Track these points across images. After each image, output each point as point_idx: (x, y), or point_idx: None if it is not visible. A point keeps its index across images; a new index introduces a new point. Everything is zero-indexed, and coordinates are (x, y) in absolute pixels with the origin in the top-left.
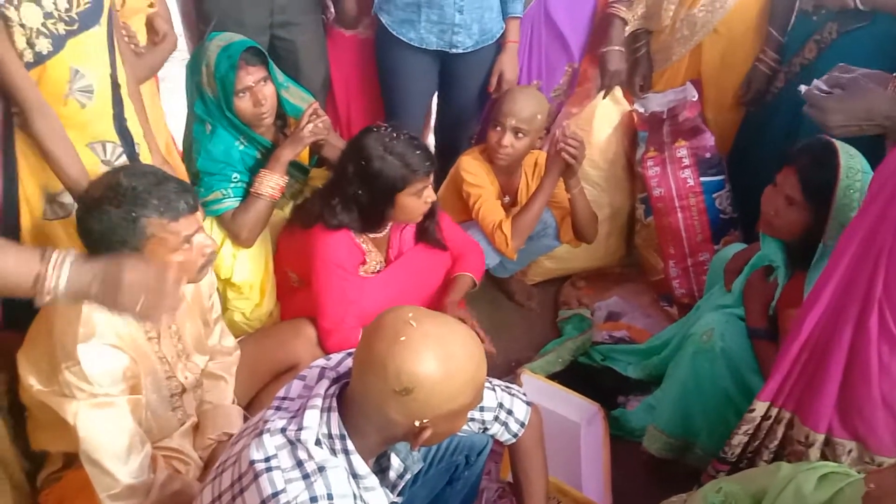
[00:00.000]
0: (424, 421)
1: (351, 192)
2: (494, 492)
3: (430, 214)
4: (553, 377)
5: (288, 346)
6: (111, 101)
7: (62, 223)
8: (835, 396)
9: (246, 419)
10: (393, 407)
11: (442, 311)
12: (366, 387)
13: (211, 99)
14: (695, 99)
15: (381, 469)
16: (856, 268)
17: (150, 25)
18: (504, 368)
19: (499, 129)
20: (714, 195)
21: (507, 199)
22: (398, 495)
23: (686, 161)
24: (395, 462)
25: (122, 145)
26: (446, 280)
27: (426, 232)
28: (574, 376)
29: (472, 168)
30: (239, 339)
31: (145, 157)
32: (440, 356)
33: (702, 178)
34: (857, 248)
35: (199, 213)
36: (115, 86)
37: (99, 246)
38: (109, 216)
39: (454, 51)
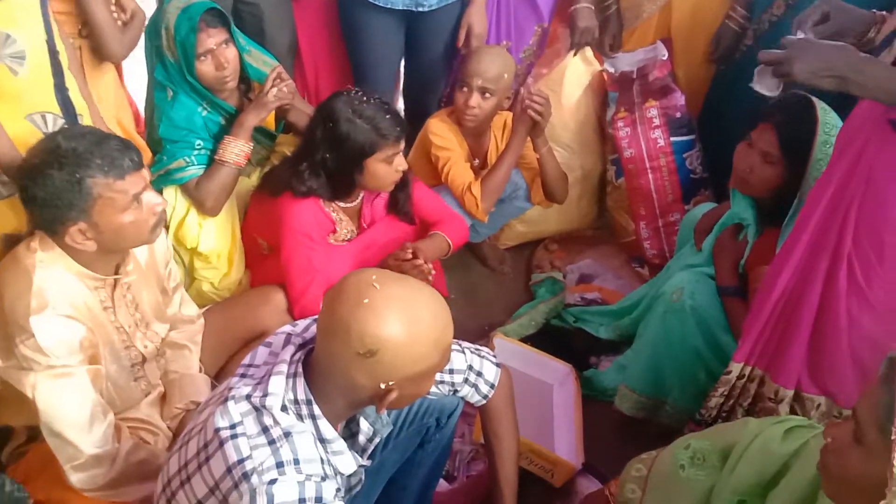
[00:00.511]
0: (390, 383)
1: (319, 157)
2: (468, 454)
3: (402, 186)
4: (526, 340)
5: (256, 313)
6: (50, 69)
7: (8, 202)
8: (804, 353)
9: (214, 388)
10: (357, 370)
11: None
12: (330, 351)
13: (171, 63)
14: (665, 58)
15: (350, 433)
16: (825, 223)
17: (118, 3)
18: (477, 332)
19: (465, 89)
20: (684, 155)
21: (476, 161)
22: (368, 459)
23: (656, 121)
24: (365, 426)
25: (64, 116)
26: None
27: (396, 204)
28: (547, 339)
29: (440, 131)
30: (206, 307)
31: None
32: (404, 318)
33: (672, 138)
34: (827, 202)
35: (146, 171)
36: (53, 53)
37: (45, 213)
38: (53, 181)
39: (420, 9)
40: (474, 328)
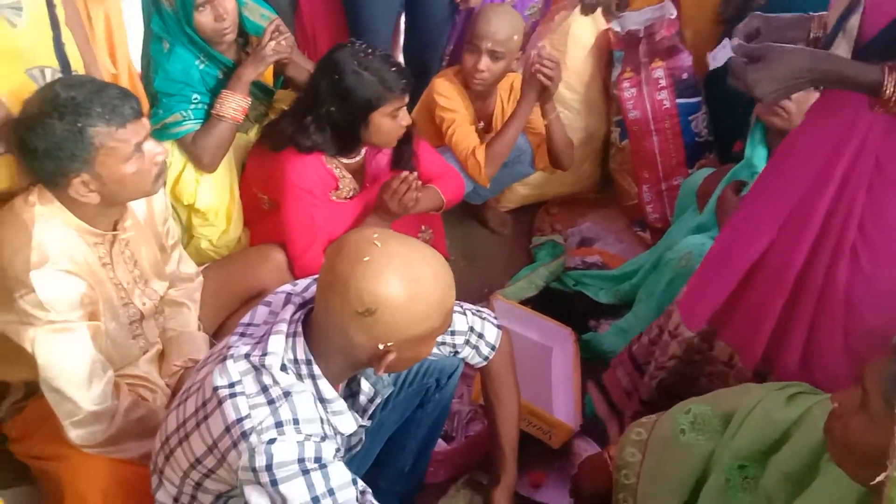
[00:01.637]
0: (389, 344)
1: (324, 110)
2: (466, 414)
3: (407, 140)
4: (526, 302)
5: (255, 271)
6: (48, 21)
7: (2, 159)
8: (799, 342)
9: (212, 346)
10: (356, 329)
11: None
12: (329, 309)
13: (169, 13)
14: (673, 16)
15: (351, 393)
16: (831, 208)
17: None
18: (477, 294)
19: (474, 52)
20: (690, 118)
21: (481, 124)
22: (368, 419)
23: (662, 82)
24: (365, 386)
25: (63, 71)
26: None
27: (401, 159)
28: (546, 301)
29: (445, 91)
30: (205, 265)
31: None
32: (405, 277)
33: (678, 100)
34: (835, 188)
35: (146, 119)
36: (51, 5)
37: (46, 165)
38: (54, 130)
39: None
40: (474, 290)
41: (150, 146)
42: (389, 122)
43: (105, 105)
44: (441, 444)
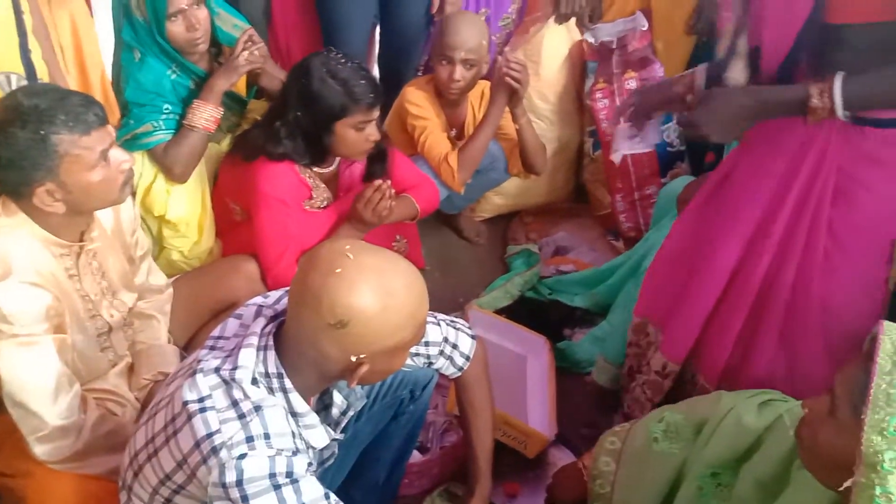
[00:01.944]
0: (361, 356)
1: (291, 116)
2: (441, 425)
3: (380, 158)
4: (501, 312)
5: (226, 283)
6: (15, 27)
7: None
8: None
9: (183, 358)
10: (328, 342)
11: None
12: (301, 321)
13: (140, 23)
14: (644, 28)
15: (323, 406)
16: (794, 219)
17: None
18: (452, 304)
19: (446, 63)
20: (662, 128)
21: (453, 132)
22: (341, 432)
23: None
24: (338, 399)
25: (28, 79)
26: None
27: (374, 174)
28: (521, 310)
29: (416, 99)
30: (175, 277)
31: None
32: (377, 289)
33: None
34: (796, 196)
35: (111, 127)
36: (18, 12)
37: (10, 174)
38: (17, 139)
39: None
40: (449, 299)
41: (117, 154)
42: (354, 134)
43: (69, 112)
44: (416, 456)
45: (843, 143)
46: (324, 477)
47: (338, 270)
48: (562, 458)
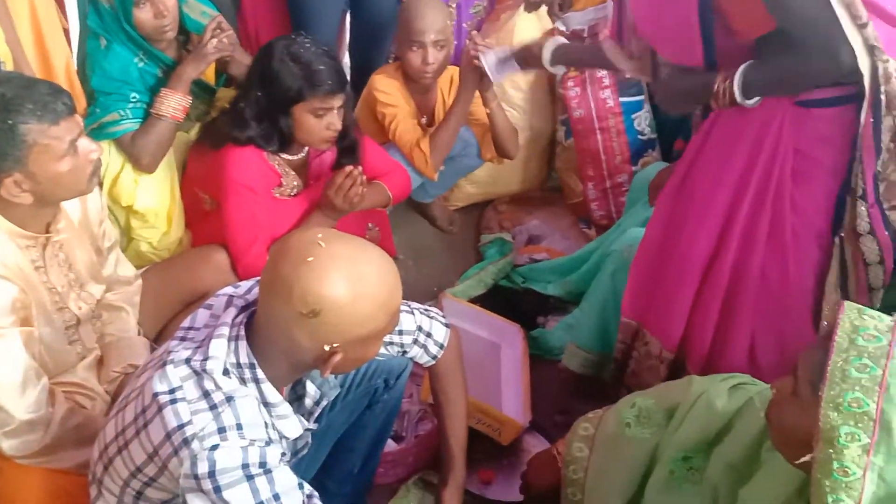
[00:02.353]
0: (334, 345)
1: (253, 96)
2: (416, 414)
3: (350, 148)
4: (475, 301)
5: (196, 273)
6: None
7: None
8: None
9: (153, 350)
10: (300, 331)
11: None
12: (272, 311)
13: (107, 9)
14: None
15: (297, 396)
16: (755, 206)
17: None
18: (426, 293)
19: (418, 48)
20: (633, 116)
21: (424, 119)
22: (315, 422)
23: (606, 81)
24: (311, 389)
25: None
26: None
27: (342, 167)
28: (495, 299)
29: (385, 87)
30: (145, 268)
31: None
32: (349, 278)
33: (621, 99)
34: (757, 181)
35: (78, 116)
36: None
37: None
38: None
39: None
40: (423, 289)
41: (85, 143)
42: (312, 120)
43: (36, 101)
44: (391, 445)
45: (797, 125)
46: (298, 467)
47: (309, 259)
48: (536, 444)
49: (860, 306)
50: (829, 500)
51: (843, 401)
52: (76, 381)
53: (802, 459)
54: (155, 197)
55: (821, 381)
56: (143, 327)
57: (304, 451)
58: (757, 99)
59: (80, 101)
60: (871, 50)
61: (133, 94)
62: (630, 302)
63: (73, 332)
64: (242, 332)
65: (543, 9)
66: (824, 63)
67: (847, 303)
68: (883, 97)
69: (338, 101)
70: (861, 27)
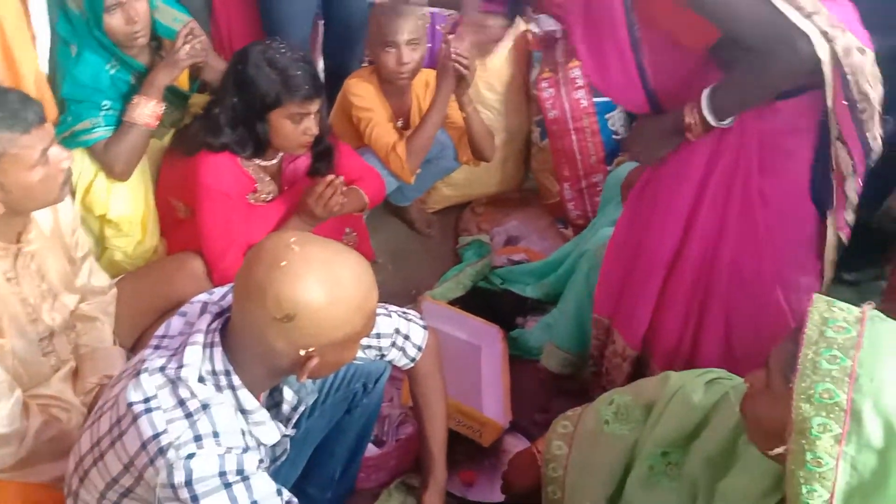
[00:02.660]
0: (310, 350)
1: (228, 102)
2: (397, 417)
3: (326, 153)
4: (454, 303)
5: (171, 281)
6: None
7: None
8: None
9: (129, 360)
10: (275, 336)
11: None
12: (246, 316)
13: (77, 16)
14: None
15: (274, 402)
16: (719, 197)
17: None
18: (405, 296)
19: (392, 49)
20: (607, 116)
21: (399, 122)
22: (293, 427)
23: (579, 82)
24: (288, 394)
25: None
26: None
27: (317, 173)
28: (474, 301)
29: (360, 91)
30: (120, 277)
31: None
32: (324, 281)
33: (595, 99)
34: (722, 170)
35: (49, 125)
36: None
37: None
38: None
39: None
40: (402, 292)
41: (56, 152)
42: (289, 125)
43: (6, 111)
44: (372, 449)
45: (759, 118)
46: (278, 473)
47: (283, 263)
48: (517, 444)
49: (829, 299)
50: (804, 490)
51: (814, 392)
52: (51, 393)
53: (776, 451)
54: (129, 205)
55: (792, 373)
56: (118, 337)
57: (283, 458)
58: (732, 119)
59: (52, 110)
60: (825, 34)
61: (105, 102)
62: (600, 299)
63: (48, 343)
64: (217, 339)
65: None
66: (785, 60)
67: (816, 295)
68: (850, 77)
69: (315, 106)
70: (809, 16)
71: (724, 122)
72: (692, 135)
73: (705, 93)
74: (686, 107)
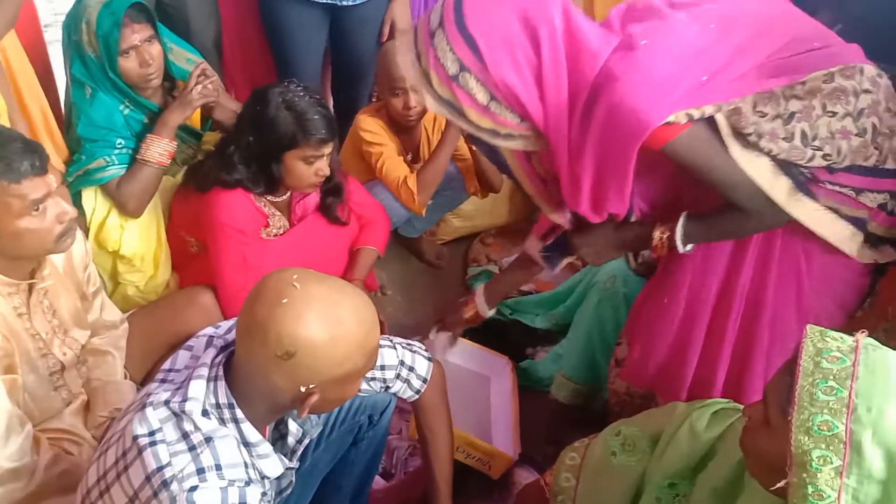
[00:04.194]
0: (311, 386)
1: (244, 141)
2: (405, 450)
3: (335, 192)
4: (463, 333)
5: (182, 316)
6: None
7: None
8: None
9: None
10: (276, 372)
11: None
12: (249, 352)
13: (92, 59)
14: None
15: (280, 435)
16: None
17: None
18: (415, 328)
19: (399, 95)
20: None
21: (409, 156)
22: (298, 460)
23: None
24: (293, 427)
25: None
26: (352, 246)
27: (327, 209)
28: (484, 331)
29: (370, 126)
30: (131, 311)
31: None
32: (325, 319)
33: None
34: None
35: (51, 176)
36: None
37: None
38: None
39: (343, 2)
40: (412, 324)
41: (57, 205)
42: (303, 166)
43: (2, 159)
44: (380, 482)
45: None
46: None
47: (284, 301)
48: (527, 476)
49: (822, 329)
50: None
51: (812, 424)
52: (63, 426)
53: (778, 485)
54: (141, 241)
55: (790, 405)
56: (129, 371)
57: (289, 490)
58: (692, 245)
59: (62, 150)
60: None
61: (119, 141)
62: (636, 374)
63: (58, 377)
64: (221, 373)
65: None
66: (772, 219)
67: (809, 326)
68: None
69: (328, 149)
70: (754, 147)
71: (687, 248)
72: (654, 252)
73: (681, 221)
74: (657, 228)
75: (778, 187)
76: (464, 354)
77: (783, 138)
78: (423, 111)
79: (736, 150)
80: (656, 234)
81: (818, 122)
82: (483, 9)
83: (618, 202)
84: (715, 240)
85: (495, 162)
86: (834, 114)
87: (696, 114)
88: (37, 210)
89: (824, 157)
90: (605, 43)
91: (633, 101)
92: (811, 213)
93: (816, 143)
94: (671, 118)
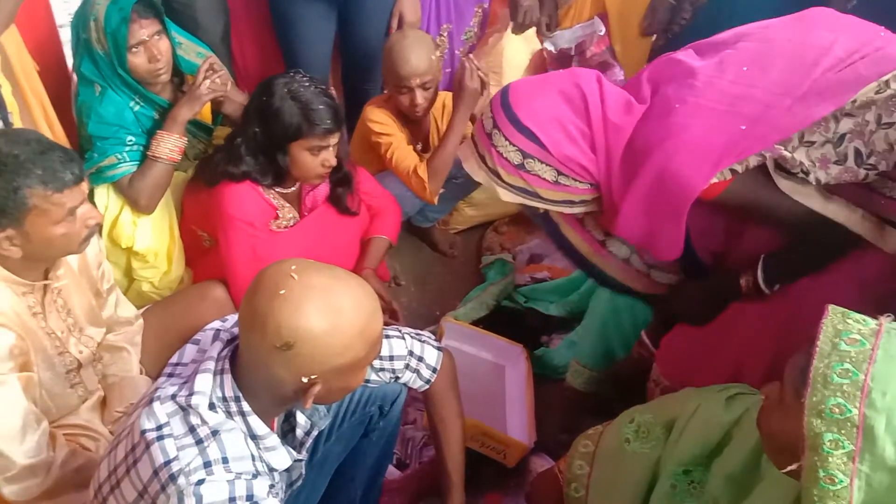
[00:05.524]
0: (312, 377)
1: (250, 131)
2: (420, 440)
3: (345, 182)
4: (478, 322)
5: (195, 310)
6: None
7: None
8: None
9: None
10: (277, 364)
11: None
12: (250, 344)
13: (101, 56)
14: (602, 33)
15: (290, 428)
16: None
17: None
18: (429, 318)
19: (406, 92)
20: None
21: (419, 146)
22: (308, 452)
23: None
24: (301, 419)
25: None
26: (363, 237)
27: (337, 200)
28: (498, 320)
29: (378, 117)
30: (145, 307)
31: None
32: (323, 308)
33: None
34: None
35: (85, 184)
36: None
37: None
38: None
39: None
40: (426, 313)
41: (85, 211)
42: (309, 157)
43: (47, 168)
44: (394, 472)
45: None
46: (297, 499)
47: (282, 292)
48: (542, 464)
49: (844, 310)
50: None
51: (825, 407)
52: (80, 422)
53: (790, 468)
54: (154, 237)
55: (804, 386)
56: (145, 366)
57: (299, 483)
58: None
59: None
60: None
61: (129, 138)
62: (672, 366)
63: (75, 375)
64: (227, 366)
65: (531, 31)
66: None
67: (832, 307)
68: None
69: (334, 140)
70: (803, 180)
71: (775, 289)
72: (746, 297)
73: (760, 266)
74: (742, 276)
75: (831, 208)
76: (478, 343)
77: (835, 162)
78: (431, 104)
79: (784, 184)
80: (742, 282)
81: (873, 138)
82: (528, 99)
83: (670, 250)
84: (801, 276)
85: (558, 244)
86: (890, 125)
87: (740, 168)
88: (71, 217)
89: (879, 175)
90: (638, 107)
91: (675, 168)
92: (866, 226)
93: (872, 160)
94: (715, 178)
